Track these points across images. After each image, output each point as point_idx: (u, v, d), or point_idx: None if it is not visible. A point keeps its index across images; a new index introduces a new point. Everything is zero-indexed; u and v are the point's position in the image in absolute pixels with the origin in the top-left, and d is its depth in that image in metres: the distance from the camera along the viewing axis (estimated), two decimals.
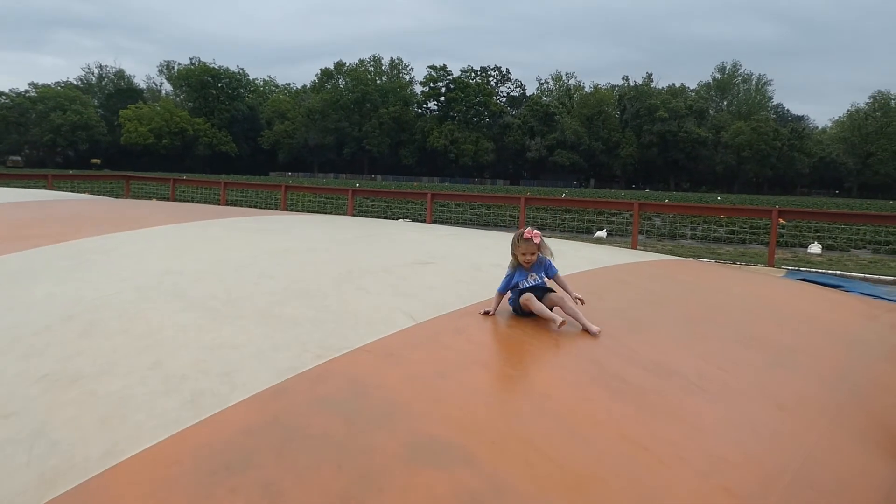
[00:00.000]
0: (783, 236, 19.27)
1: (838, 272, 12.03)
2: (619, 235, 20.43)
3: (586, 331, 3.98)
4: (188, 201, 23.17)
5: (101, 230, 6.22)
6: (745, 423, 3.64)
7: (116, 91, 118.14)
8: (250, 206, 20.94)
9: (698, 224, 23.64)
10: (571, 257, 6.55)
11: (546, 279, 4.18)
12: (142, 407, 2.83)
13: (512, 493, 2.56)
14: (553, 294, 4.09)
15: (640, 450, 3.05)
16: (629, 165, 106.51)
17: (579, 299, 4.18)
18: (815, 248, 17.80)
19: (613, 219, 23.69)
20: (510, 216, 22.46)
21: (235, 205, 22.63)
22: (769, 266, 12.21)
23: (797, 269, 11.96)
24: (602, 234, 19.84)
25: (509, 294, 4.16)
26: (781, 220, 20.50)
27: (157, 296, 4.20)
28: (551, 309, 4.00)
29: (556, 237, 14.91)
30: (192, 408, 2.82)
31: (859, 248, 19.02)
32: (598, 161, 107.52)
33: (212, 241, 6.01)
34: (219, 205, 19.86)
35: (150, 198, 23.91)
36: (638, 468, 2.93)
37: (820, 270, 12.21)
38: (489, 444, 2.83)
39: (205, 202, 23.14)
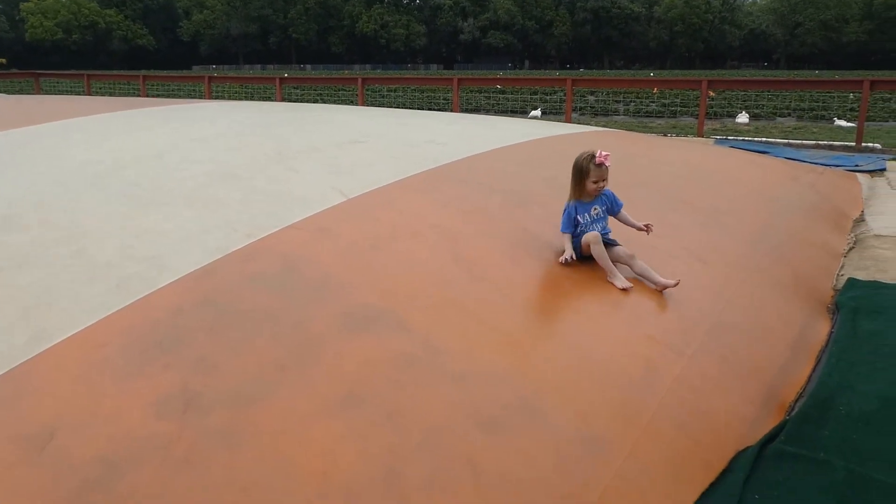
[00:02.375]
0: (713, 107, 19.53)
1: (764, 139, 12.32)
2: (554, 114, 20.38)
3: (662, 286, 3.46)
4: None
5: (9, 125, 5.87)
6: (670, 277, 3.78)
7: None
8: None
9: (631, 100, 23.75)
10: (505, 130, 6.53)
11: (606, 215, 3.67)
12: (66, 294, 2.76)
13: (445, 354, 2.62)
14: (620, 248, 3.57)
15: (567, 309, 3.15)
16: (563, 45, 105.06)
17: (648, 227, 3.73)
18: (742, 117, 18.13)
19: (548, 98, 23.54)
20: (444, 99, 22.09)
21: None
22: (699, 136, 12.42)
23: (725, 139, 12.20)
24: (537, 112, 19.72)
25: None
26: (711, 93, 20.74)
27: (77, 186, 4.03)
28: (616, 265, 3.49)
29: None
30: (119, 293, 2.76)
31: (784, 116, 19.48)
32: (532, 41, 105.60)
33: (132, 131, 5.75)
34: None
35: (64, 95, 22.59)
36: (567, 325, 3.04)
37: (747, 138, 12.48)
38: (422, 310, 2.88)
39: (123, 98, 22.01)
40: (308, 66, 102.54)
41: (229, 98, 22.94)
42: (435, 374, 2.51)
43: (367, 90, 20.27)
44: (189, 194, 3.88)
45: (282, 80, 17.49)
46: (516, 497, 2.11)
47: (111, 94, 23.46)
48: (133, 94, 22.72)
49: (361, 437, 2.15)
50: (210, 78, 18.45)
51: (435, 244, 3.52)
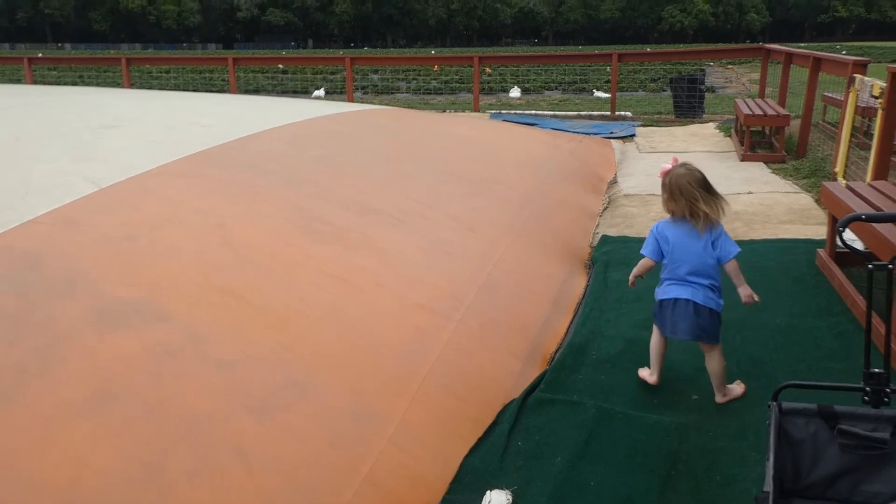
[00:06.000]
0: (489, 83, 20.46)
1: (534, 112, 13.14)
2: (338, 93, 20.26)
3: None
4: None
5: None
6: (439, 248, 3.94)
7: None
8: None
9: (413, 77, 24.23)
10: (276, 111, 6.39)
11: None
12: None
13: (209, 340, 2.54)
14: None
15: (340, 283, 3.17)
16: (346, 23, 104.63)
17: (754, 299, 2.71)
18: (515, 92, 19.20)
19: (331, 77, 23.35)
20: (222, 80, 21.15)
21: None
22: (475, 111, 12.96)
23: (499, 113, 12.84)
24: (320, 92, 19.52)
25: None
26: (487, 69, 21.72)
27: None
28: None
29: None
30: None
31: (552, 90, 20.91)
32: (313, 20, 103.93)
33: None
34: None
35: None
36: (338, 299, 3.06)
37: (519, 112, 13.23)
38: (185, 299, 2.75)
39: None
40: (67, 46, 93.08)
41: None
42: (199, 363, 2.42)
43: (136, 72, 18.90)
44: None
45: (31, 59, 15.77)
46: (288, 476, 2.10)
47: None
48: None
49: (116, 436, 2.03)
50: None
51: (200, 230, 3.37)
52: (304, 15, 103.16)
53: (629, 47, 54.70)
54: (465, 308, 3.32)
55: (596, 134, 9.57)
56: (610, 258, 4.52)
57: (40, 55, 23.55)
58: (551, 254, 4.58)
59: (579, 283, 4.23)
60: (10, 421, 2.00)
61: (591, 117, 11.81)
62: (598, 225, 5.50)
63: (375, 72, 25.57)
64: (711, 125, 10.31)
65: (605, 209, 5.96)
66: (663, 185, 2.73)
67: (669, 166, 2.75)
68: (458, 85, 21.13)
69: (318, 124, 5.87)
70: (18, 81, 19.61)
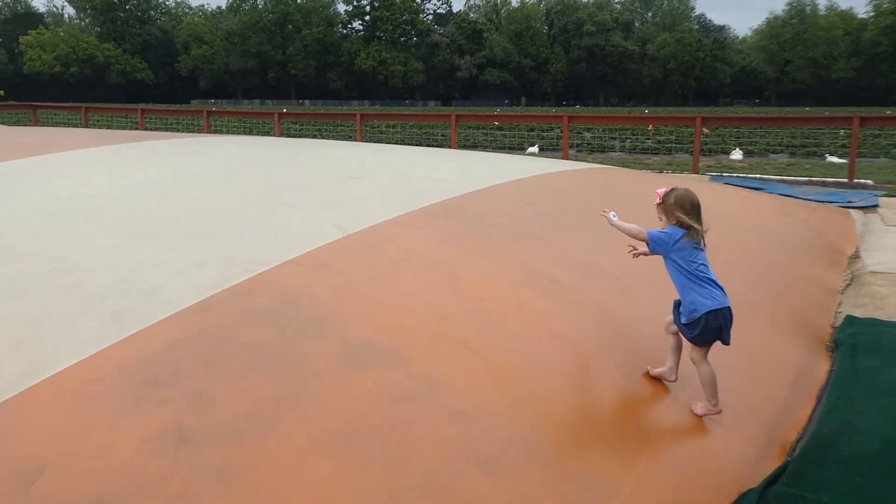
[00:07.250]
0: (707, 144, 19.70)
1: (758, 176, 12.40)
2: (551, 150, 20.52)
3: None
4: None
5: (4, 156, 5.88)
6: (666, 317, 3.76)
7: (14, 16, 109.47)
8: None
9: (627, 137, 23.97)
10: (503, 167, 6.57)
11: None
12: (59, 327, 2.73)
13: (443, 389, 2.60)
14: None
15: (565, 343, 3.13)
16: (559, 82, 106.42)
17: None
18: (736, 154, 18.30)
19: (545, 134, 23.74)
20: (442, 135, 22.26)
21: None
22: (694, 173, 12.49)
23: (720, 175, 12.26)
24: (534, 149, 19.88)
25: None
26: (705, 130, 20.95)
27: (70, 219, 4.02)
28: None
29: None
30: (113, 326, 2.74)
31: (777, 153, 19.68)
32: (528, 78, 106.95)
33: (128, 164, 5.76)
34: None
35: (61, 127, 22.57)
36: (565, 363, 3.02)
37: (741, 175, 12.55)
38: (421, 345, 2.85)
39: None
40: (307, 102, 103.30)
41: (227, 132, 23.06)
42: (434, 411, 2.47)
43: (366, 126, 20.42)
44: (185, 228, 3.87)
45: (280, 115, 17.62)
46: None
47: (109, 128, 23.55)
48: (131, 128, 22.80)
49: (358, 476, 2.12)
50: (208, 112, 18.59)
51: (434, 279, 3.51)
52: (520, 74, 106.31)
53: (864, 110, 50.34)
54: (692, 386, 3.13)
55: (831, 202, 8.80)
56: (858, 342, 4.07)
57: (284, 110, 26.26)
58: (787, 332, 4.22)
59: (821, 368, 3.85)
60: (269, 448, 2.16)
61: (824, 184, 10.90)
62: (840, 304, 5.00)
63: (588, 130, 25.62)
64: None
65: (847, 286, 5.41)
66: (668, 204, 3.01)
67: (664, 190, 3.05)
68: (674, 145, 20.54)
69: (542, 181, 5.94)
70: (268, 133, 21.96)
